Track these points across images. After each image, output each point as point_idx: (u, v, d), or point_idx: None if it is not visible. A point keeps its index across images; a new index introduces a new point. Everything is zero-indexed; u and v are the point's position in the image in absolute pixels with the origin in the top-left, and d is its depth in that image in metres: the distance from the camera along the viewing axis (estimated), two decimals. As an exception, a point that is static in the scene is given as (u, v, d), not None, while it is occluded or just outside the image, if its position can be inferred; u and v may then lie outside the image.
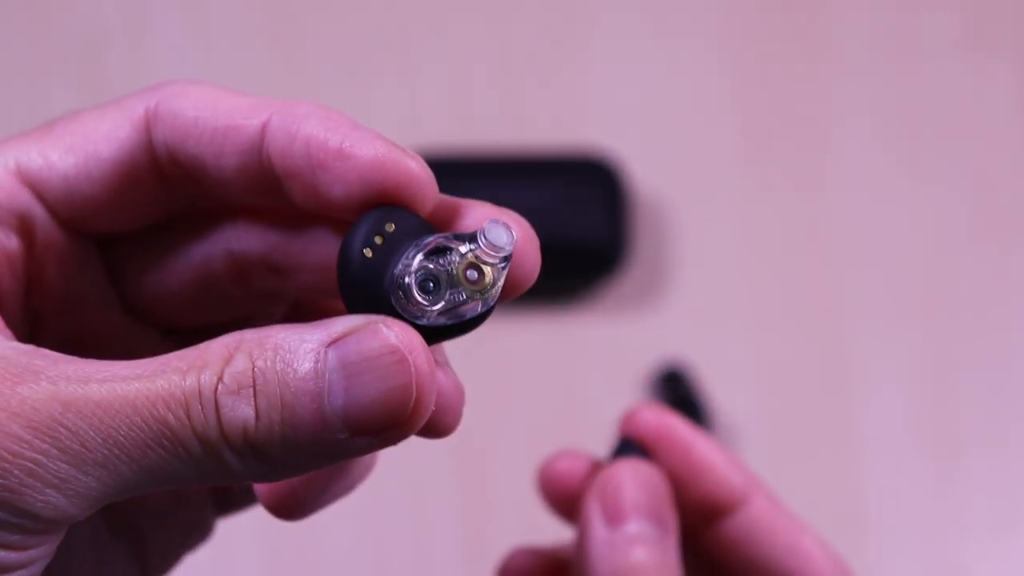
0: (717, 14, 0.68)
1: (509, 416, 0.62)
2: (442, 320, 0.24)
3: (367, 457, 0.28)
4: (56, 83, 0.66)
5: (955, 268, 0.65)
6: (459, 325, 0.24)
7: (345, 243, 0.24)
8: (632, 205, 0.63)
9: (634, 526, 0.29)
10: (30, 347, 0.23)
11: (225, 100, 0.25)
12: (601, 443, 0.63)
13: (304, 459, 0.23)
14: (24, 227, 0.25)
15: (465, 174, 0.62)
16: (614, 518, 0.29)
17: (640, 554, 0.28)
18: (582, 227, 0.61)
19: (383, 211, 0.24)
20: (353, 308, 0.23)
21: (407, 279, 0.23)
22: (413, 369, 0.23)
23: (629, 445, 0.32)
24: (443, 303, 0.24)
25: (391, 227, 0.24)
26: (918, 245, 0.65)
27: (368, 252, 0.23)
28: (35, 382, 0.21)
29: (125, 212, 0.26)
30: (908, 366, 0.64)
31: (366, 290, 0.23)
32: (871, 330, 0.64)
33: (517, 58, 0.67)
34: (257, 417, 0.22)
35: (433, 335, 0.24)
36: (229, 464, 0.22)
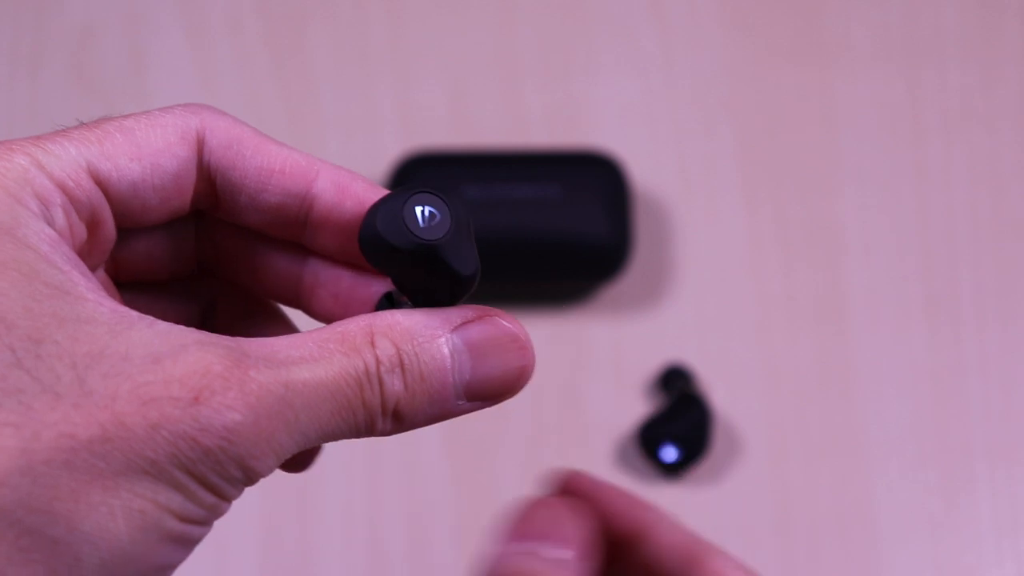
0: (718, 13, 0.67)
1: (510, 417, 0.62)
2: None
3: None
4: (52, 77, 0.66)
5: (960, 269, 0.65)
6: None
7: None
8: (635, 205, 0.63)
9: (536, 545, 0.30)
10: (214, 335, 0.26)
11: (271, 145, 0.30)
12: (603, 443, 0.63)
13: (424, 419, 0.28)
14: (94, 219, 0.28)
15: (468, 173, 0.62)
16: (519, 537, 0.30)
17: (536, 565, 0.29)
18: (586, 227, 0.61)
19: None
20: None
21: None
22: (531, 350, 0.29)
23: None
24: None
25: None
26: (923, 246, 0.65)
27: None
28: (258, 368, 0.25)
29: (162, 215, 0.30)
30: (913, 367, 0.63)
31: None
32: (875, 330, 0.64)
33: (517, 59, 0.67)
34: (405, 389, 0.27)
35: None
36: (377, 425, 0.27)
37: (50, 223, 0.26)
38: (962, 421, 0.63)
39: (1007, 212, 0.66)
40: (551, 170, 0.62)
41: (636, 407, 0.62)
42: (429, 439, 0.61)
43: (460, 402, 0.28)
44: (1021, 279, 0.65)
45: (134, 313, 0.26)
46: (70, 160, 0.27)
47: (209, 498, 0.25)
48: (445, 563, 0.61)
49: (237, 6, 0.67)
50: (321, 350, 0.26)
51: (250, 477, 0.26)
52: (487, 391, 0.28)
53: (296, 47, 0.67)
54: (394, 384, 0.27)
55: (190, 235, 0.32)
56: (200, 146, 0.29)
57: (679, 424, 0.60)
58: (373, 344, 0.27)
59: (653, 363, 0.63)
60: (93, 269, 0.29)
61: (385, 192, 0.30)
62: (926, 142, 0.66)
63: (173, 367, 0.24)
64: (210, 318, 0.34)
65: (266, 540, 0.60)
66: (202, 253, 0.33)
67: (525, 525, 0.30)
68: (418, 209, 0.28)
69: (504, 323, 0.29)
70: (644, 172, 0.65)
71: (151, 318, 0.26)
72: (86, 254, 0.29)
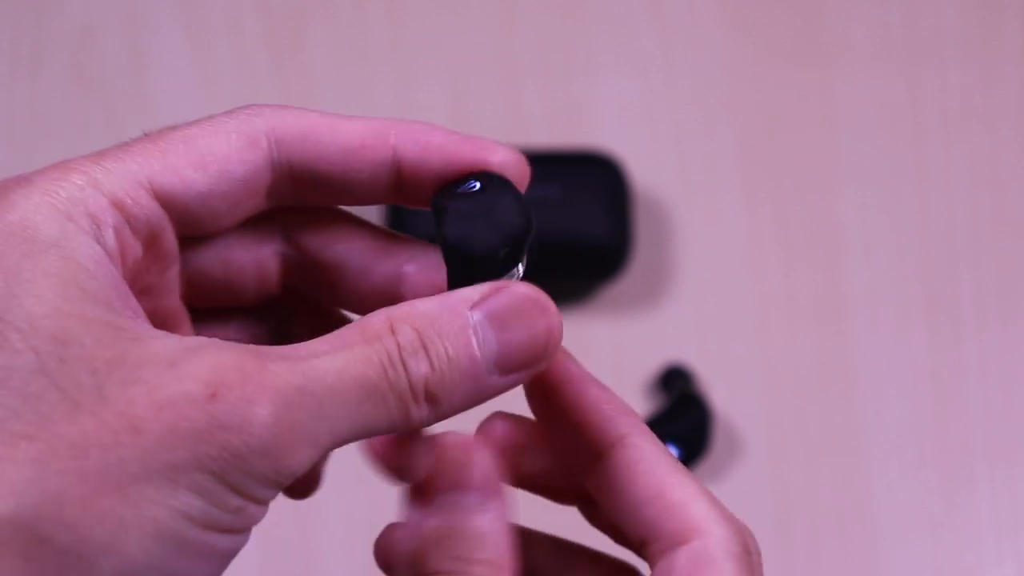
0: (718, 13, 0.67)
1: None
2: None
3: None
4: (52, 77, 0.66)
5: (960, 269, 0.65)
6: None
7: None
8: (635, 205, 0.63)
9: (447, 499, 0.30)
10: (232, 342, 0.26)
11: (343, 123, 0.30)
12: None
13: (462, 400, 0.27)
14: (151, 234, 0.28)
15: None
16: (424, 497, 0.31)
17: (452, 522, 0.30)
18: (586, 227, 0.61)
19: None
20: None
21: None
22: (553, 311, 0.28)
23: None
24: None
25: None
26: (923, 246, 0.65)
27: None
28: (276, 362, 0.25)
29: (231, 220, 0.30)
30: (913, 367, 0.63)
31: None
32: (875, 330, 0.64)
33: (517, 59, 0.67)
34: (432, 369, 0.27)
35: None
36: (411, 411, 0.27)
37: (100, 242, 0.26)
38: (962, 421, 0.63)
39: (1007, 212, 0.65)
40: (551, 170, 0.62)
41: (636, 407, 0.62)
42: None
43: (493, 377, 0.28)
44: (1021, 279, 0.65)
45: (158, 331, 0.26)
46: (129, 177, 0.27)
47: (234, 500, 0.24)
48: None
49: (237, 6, 0.67)
50: (341, 341, 0.26)
51: (280, 473, 0.25)
52: (518, 360, 0.28)
53: (296, 47, 0.67)
54: (419, 366, 0.26)
55: (274, 260, 0.32)
56: (271, 147, 0.29)
57: (679, 424, 0.60)
58: (393, 331, 0.26)
59: (653, 363, 0.63)
60: (149, 283, 0.29)
61: (462, 136, 0.31)
62: (926, 142, 0.66)
63: (188, 367, 0.24)
64: (284, 341, 0.34)
65: (266, 543, 0.60)
66: (289, 277, 0.32)
67: (429, 484, 0.30)
68: (470, 183, 0.29)
69: (521, 289, 0.28)
70: (644, 172, 0.65)
71: (172, 334, 0.26)
72: (143, 271, 0.28)
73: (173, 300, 0.31)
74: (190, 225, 0.29)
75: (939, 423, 0.63)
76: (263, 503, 0.25)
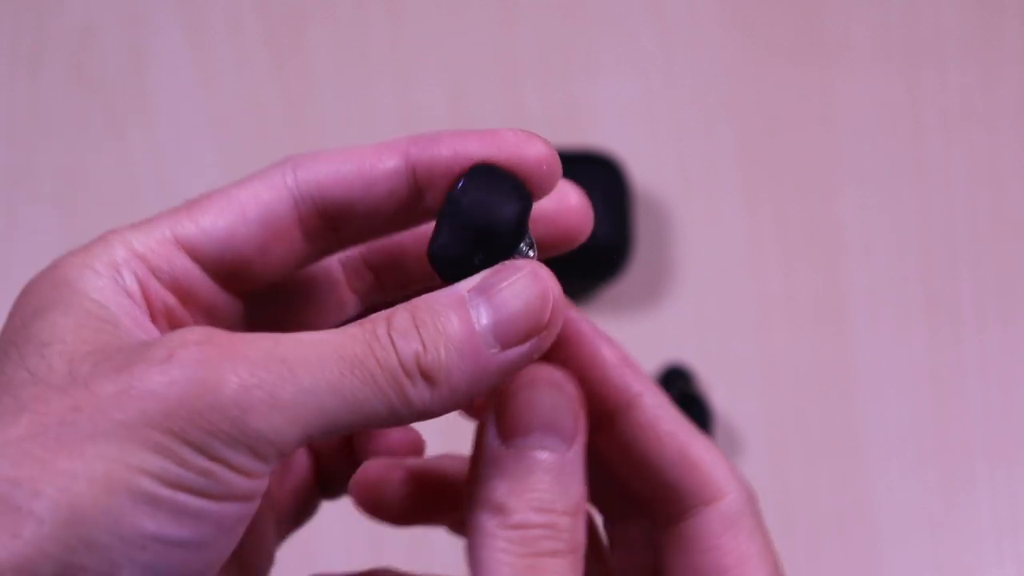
0: (718, 13, 0.67)
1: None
2: None
3: None
4: (52, 77, 0.66)
5: (960, 269, 0.65)
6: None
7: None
8: (635, 205, 0.63)
9: (531, 440, 0.29)
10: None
11: (355, 149, 0.30)
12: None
13: (463, 378, 0.27)
14: (179, 285, 0.29)
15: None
16: (510, 432, 0.29)
17: (535, 467, 0.29)
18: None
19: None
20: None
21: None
22: (547, 277, 0.28)
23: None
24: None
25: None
26: (923, 246, 0.65)
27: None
28: (247, 333, 0.26)
29: (270, 265, 0.30)
30: (913, 367, 0.63)
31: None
32: (875, 330, 0.64)
33: (517, 59, 0.67)
34: (424, 347, 0.26)
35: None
36: (407, 390, 0.26)
37: (118, 283, 0.28)
38: (962, 421, 0.63)
39: (1007, 212, 0.65)
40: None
41: (636, 407, 0.62)
42: (430, 435, 0.61)
43: (494, 351, 0.27)
44: (1021, 279, 0.65)
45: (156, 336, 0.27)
46: (155, 233, 0.28)
47: (199, 460, 0.24)
48: (446, 562, 0.61)
49: (237, 6, 0.67)
50: (338, 328, 0.26)
51: (248, 435, 0.25)
52: (517, 329, 0.27)
53: (296, 47, 0.67)
54: (409, 344, 0.26)
55: (362, 302, 0.33)
56: (291, 186, 0.29)
57: (679, 424, 0.60)
58: (388, 316, 0.27)
59: (653, 363, 0.63)
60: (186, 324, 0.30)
61: (472, 130, 0.31)
62: (926, 142, 0.66)
63: (156, 341, 0.25)
64: None
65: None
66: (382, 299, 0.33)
67: (515, 418, 0.29)
68: (459, 184, 0.29)
69: (517, 264, 0.28)
70: (644, 172, 0.65)
71: None
72: (188, 322, 0.29)
73: None
74: (227, 273, 0.30)
75: (939, 423, 0.63)
76: (243, 472, 0.25)
